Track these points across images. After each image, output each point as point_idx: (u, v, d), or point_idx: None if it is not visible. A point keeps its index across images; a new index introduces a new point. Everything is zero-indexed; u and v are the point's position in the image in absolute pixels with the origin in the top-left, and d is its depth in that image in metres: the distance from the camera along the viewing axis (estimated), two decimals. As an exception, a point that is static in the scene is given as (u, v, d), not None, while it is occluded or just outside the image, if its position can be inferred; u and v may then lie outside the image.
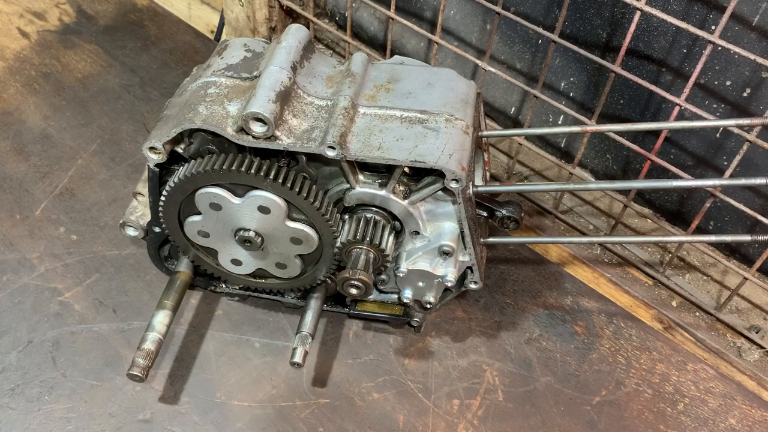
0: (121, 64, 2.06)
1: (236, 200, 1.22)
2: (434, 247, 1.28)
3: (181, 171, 1.21)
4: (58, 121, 1.89)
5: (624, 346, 1.54)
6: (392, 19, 1.76)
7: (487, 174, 1.44)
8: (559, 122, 1.85)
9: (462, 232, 1.26)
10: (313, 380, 1.44)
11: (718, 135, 1.56)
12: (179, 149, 1.23)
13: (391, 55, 1.53)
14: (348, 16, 1.91)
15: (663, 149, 1.64)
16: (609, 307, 1.61)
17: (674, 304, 1.63)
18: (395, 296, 1.47)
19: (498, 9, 1.57)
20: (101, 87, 1.99)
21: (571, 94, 1.77)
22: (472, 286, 1.37)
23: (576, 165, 1.67)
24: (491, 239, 1.38)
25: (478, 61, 1.65)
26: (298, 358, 1.30)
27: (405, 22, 1.74)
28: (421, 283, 1.33)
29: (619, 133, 1.55)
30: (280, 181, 1.17)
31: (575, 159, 1.66)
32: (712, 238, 1.31)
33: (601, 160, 1.82)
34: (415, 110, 1.21)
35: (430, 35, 1.72)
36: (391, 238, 1.26)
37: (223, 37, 2.20)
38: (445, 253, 1.27)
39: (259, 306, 1.55)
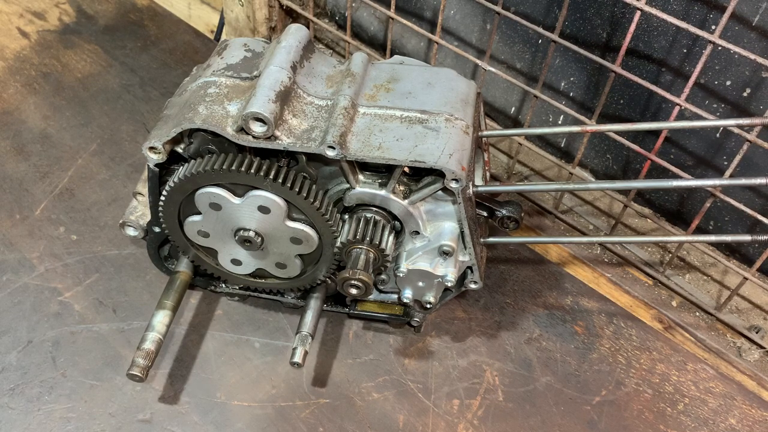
0: (121, 64, 2.06)
1: (236, 200, 1.22)
2: (434, 247, 1.27)
3: (181, 171, 1.21)
4: (57, 121, 1.89)
5: (624, 346, 1.54)
6: (392, 19, 1.76)
7: (487, 174, 1.44)
8: (559, 122, 1.85)
9: (462, 232, 1.26)
10: (313, 380, 1.44)
11: (718, 135, 1.56)
12: (179, 149, 1.23)
13: (391, 55, 1.53)
14: (348, 15, 1.91)
15: (663, 149, 1.64)
16: (609, 307, 1.61)
17: (674, 304, 1.63)
18: (395, 296, 1.47)
19: (498, 9, 1.57)
20: (101, 87, 1.99)
21: (571, 94, 1.76)
22: (472, 286, 1.37)
23: (576, 165, 1.67)
24: (491, 239, 1.38)
25: (478, 61, 1.65)
26: (298, 358, 1.30)
27: (405, 22, 1.74)
28: (421, 283, 1.33)
29: (619, 133, 1.55)
30: (280, 181, 1.17)
31: (575, 159, 1.66)
32: (712, 238, 1.31)
33: (601, 160, 1.82)
34: (415, 110, 1.21)
35: (430, 35, 1.72)
36: (391, 238, 1.26)
37: (223, 36, 2.20)
38: (445, 253, 1.27)
39: (259, 306, 1.55)
